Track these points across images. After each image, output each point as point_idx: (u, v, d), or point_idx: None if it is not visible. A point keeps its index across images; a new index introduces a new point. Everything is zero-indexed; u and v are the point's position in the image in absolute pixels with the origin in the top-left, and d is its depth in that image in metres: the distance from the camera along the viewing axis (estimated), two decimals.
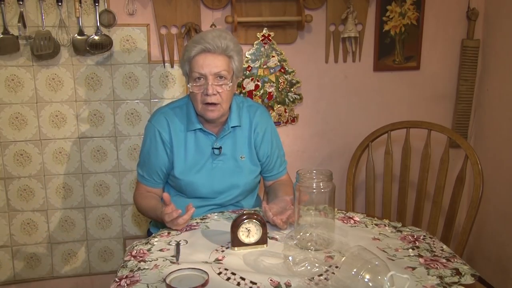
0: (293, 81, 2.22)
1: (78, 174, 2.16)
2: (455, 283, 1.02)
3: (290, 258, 1.12)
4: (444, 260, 1.13)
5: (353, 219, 1.41)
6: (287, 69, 2.20)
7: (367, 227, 1.36)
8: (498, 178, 2.29)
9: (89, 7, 2.02)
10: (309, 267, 1.09)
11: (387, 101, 2.37)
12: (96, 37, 2.01)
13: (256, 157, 1.61)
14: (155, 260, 1.16)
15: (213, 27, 2.10)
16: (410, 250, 1.19)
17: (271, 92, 2.21)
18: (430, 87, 2.40)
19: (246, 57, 2.16)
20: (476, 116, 2.45)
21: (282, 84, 2.21)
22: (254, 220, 1.21)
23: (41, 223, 2.17)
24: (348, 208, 1.97)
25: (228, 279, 1.06)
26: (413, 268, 1.09)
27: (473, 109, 2.43)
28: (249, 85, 2.19)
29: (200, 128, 1.54)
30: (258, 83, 2.19)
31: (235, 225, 1.20)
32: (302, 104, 2.29)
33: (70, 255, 2.23)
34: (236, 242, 1.21)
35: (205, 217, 1.45)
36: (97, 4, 1.98)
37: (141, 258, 1.17)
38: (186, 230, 1.34)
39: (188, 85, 1.48)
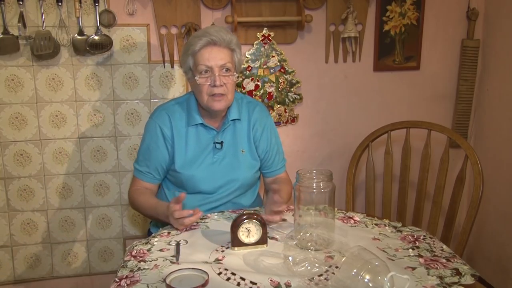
0: (293, 81, 2.22)
1: (78, 174, 2.16)
2: (455, 283, 1.02)
3: (290, 258, 1.11)
4: (444, 260, 1.13)
5: (353, 219, 1.41)
6: (287, 69, 2.20)
7: (367, 227, 1.36)
8: (498, 178, 2.29)
9: (89, 7, 2.02)
10: (309, 267, 1.08)
11: (387, 101, 2.37)
12: (96, 37, 2.01)
13: (255, 152, 1.62)
14: (155, 260, 1.16)
15: None
16: (410, 250, 1.19)
17: (271, 92, 2.21)
18: (430, 87, 2.40)
19: (246, 57, 2.16)
20: (476, 116, 2.45)
21: (282, 84, 2.21)
22: (254, 220, 1.21)
23: (41, 223, 2.17)
24: (348, 208, 1.97)
25: (228, 279, 1.06)
26: (413, 268, 1.09)
27: (473, 109, 2.43)
28: (249, 85, 2.19)
29: (201, 123, 1.55)
30: (258, 83, 2.19)
31: (235, 225, 1.20)
32: (302, 104, 2.29)
33: (70, 255, 2.23)
34: (236, 242, 1.21)
35: (205, 217, 1.45)
36: (97, 4, 1.98)
37: (141, 258, 1.17)
38: (186, 230, 1.34)
39: (196, 78, 1.48)
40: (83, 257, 2.25)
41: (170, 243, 1.25)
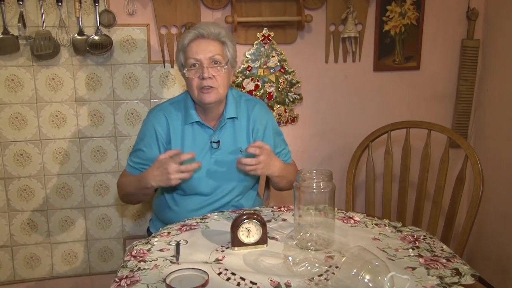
0: (293, 81, 2.22)
1: (78, 174, 2.16)
2: (455, 283, 1.02)
3: (290, 258, 1.11)
4: (444, 260, 1.13)
5: (353, 219, 1.41)
6: (287, 69, 2.20)
7: (367, 227, 1.36)
8: (498, 178, 2.29)
9: (89, 7, 2.02)
10: (309, 267, 1.08)
11: (387, 101, 2.37)
12: (96, 37, 2.01)
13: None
14: (155, 260, 1.16)
15: None
16: (410, 250, 1.19)
17: (271, 92, 2.21)
18: (430, 87, 2.40)
19: (246, 57, 2.16)
20: (476, 116, 2.45)
21: (282, 84, 2.21)
22: (254, 220, 1.21)
23: (41, 223, 2.17)
24: (348, 208, 1.97)
25: (228, 279, 1.06)
26: (413, 268, 1.09)
27: (473, 109, 2.43)
28: (249, 85, 2.19)
29: (198, 121, 1.55)
30: (258, 83, 2.19)
31: (235, 225, 1.20)
32: (302, 104, 2.29)
33: (70, 255, 2.23)
34: (236, 242, 1.20)
35: (205, 217, 1.45)
36: (97, 4, 1.98)
37: (141, 258, 1.17)
38: (186, 230, 1.34)
39: (184, 71, 1.49)
40: (83, 257, 2.25)
41: (170, 243, 1.25)
